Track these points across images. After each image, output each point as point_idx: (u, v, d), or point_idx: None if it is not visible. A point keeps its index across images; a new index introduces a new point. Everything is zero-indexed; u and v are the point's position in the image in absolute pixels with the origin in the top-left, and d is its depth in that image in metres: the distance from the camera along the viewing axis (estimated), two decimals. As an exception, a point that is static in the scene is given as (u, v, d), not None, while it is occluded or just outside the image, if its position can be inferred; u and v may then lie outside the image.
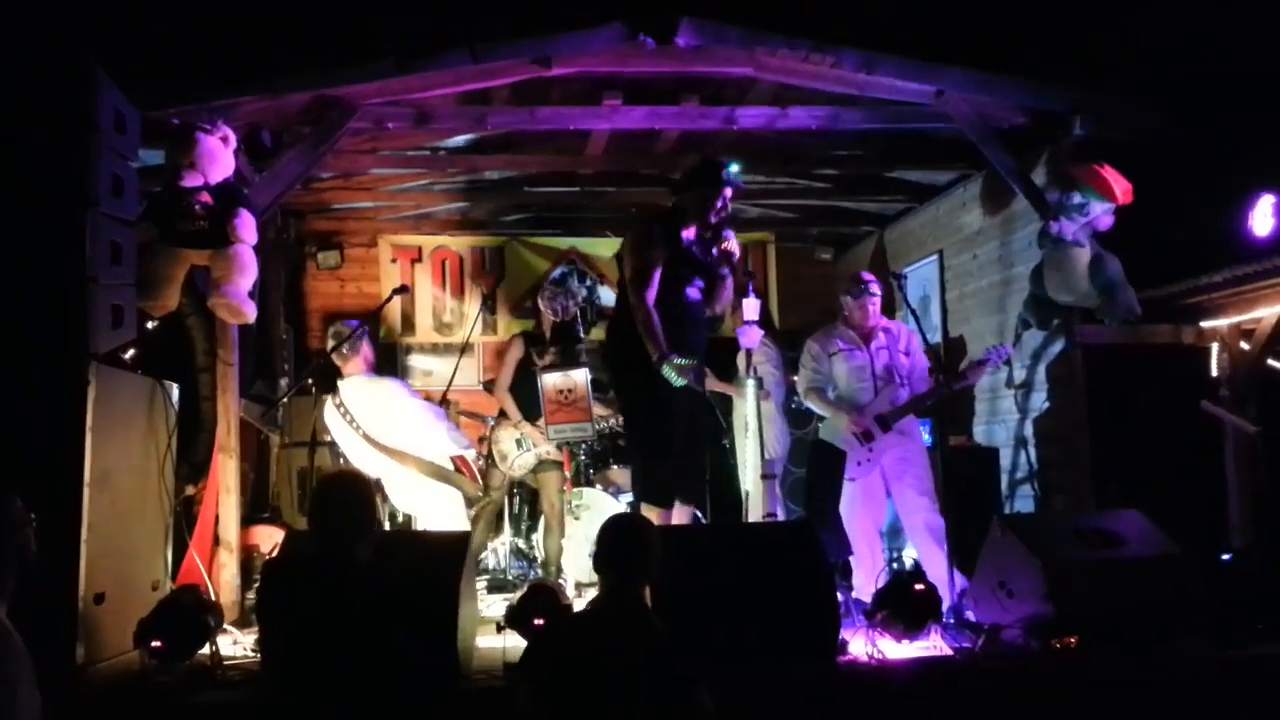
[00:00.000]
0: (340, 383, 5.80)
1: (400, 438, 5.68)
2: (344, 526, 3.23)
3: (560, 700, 2.90)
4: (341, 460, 6.11)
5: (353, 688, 2.99)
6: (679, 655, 2.97)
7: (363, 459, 5.72)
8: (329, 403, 5.80)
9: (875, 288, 5.83)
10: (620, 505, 6.43)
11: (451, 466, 5.88)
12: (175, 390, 4.88)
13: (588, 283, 8.91)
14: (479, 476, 6.02)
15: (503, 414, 6.40)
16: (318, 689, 3.02)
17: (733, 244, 5.24)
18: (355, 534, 3.23)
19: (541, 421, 6.07)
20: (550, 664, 3.00)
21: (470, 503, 5.90)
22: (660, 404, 4.92)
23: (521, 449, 6.10)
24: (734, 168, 5.17)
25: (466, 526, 5.74)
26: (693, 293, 5.12)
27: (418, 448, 5.71)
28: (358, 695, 3.00)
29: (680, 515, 5.23)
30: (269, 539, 6.07)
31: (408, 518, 6.08)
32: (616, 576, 3.12)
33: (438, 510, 5.72)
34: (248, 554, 5.82)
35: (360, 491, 3.38)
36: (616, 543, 3.16)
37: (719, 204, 5.09)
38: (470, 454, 6.01)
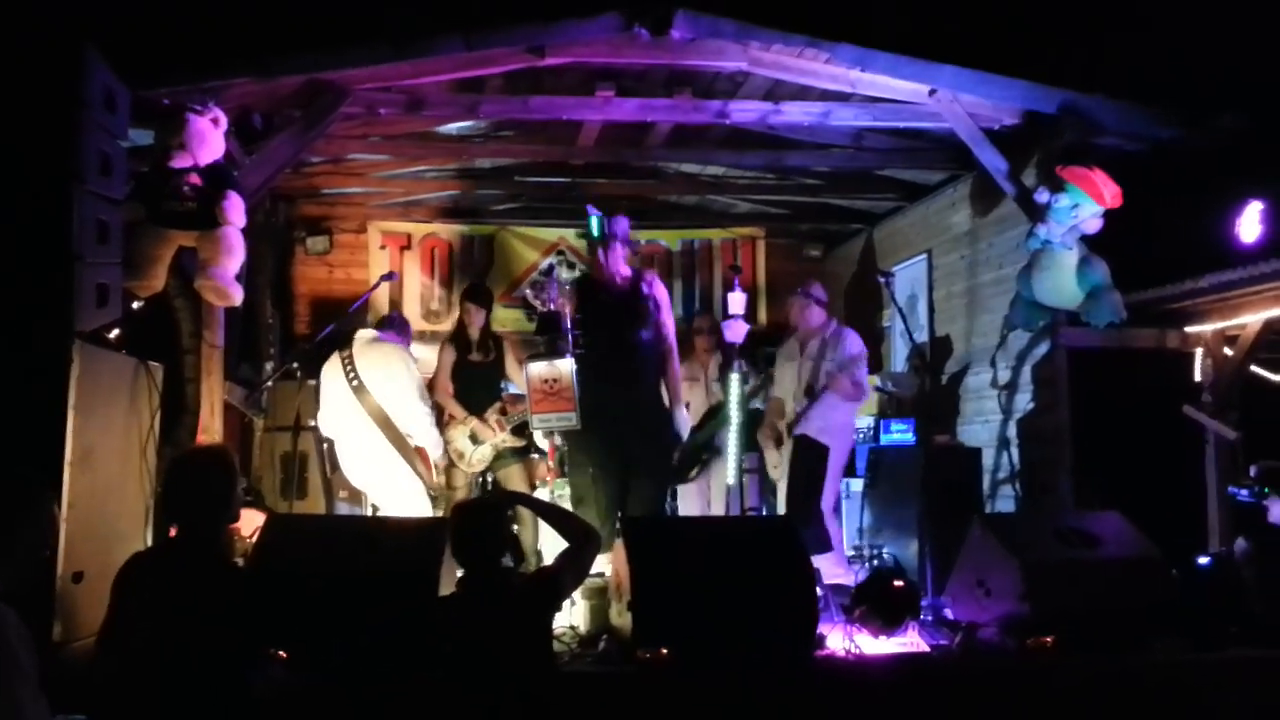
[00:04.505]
0: (358, 333, 6.01)
1: (390, 399, 5.75)
2: (197, 511, 3.06)
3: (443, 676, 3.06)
4: (324, 445, 6.09)
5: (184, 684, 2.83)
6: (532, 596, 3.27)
7: (341, 414, 5.79)
8: (335, 355, 5.91)
9: (801, 294, 6.04)
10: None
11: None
12: (160, 371, 4.86)
13: (576, 273, 8.88)
14: (434, 471, 6.03)
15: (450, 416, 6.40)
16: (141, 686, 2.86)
17: (655, 289, 5.52)
18: (209, 518, 3.06)
19: (491, 414, 6.17)
20: (426, 645, 3.14)
21: (431, 494, 5.93)
22: (578, 438, 5.33)
23: (476, 444, 6.15)
24: (594, 224, 5.42)
25: (428, 513, 5.80)
26: (645, 335, 5.41)
27: (399, 415, 5.75)
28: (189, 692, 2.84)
29: None
30: (250, 522, 6.02)
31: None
32: (474, 558, 3.25)
33: (404, 492, 5.75)
34: (228, 537, 5.80)
35: (217, 471, 3.15)
36: (462, 530, 3.31)
37: (609, 256, 5.41)
38: (436, 453, 6.01)
